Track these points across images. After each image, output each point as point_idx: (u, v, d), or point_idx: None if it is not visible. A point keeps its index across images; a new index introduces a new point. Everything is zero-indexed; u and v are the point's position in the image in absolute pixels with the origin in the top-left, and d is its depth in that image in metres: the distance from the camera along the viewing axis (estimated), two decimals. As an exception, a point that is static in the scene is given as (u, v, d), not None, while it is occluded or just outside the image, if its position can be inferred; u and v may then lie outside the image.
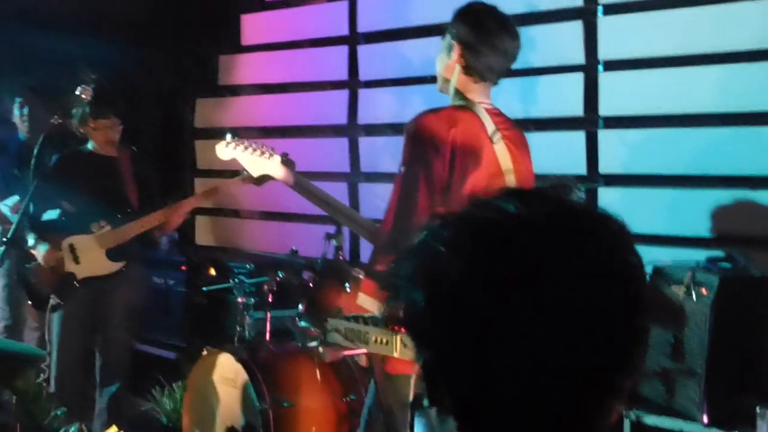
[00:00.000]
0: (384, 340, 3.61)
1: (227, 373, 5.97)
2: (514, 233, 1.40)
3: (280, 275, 6.30)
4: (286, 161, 4.67)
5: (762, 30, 5.75)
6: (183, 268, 8.20)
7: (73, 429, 5.98)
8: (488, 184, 4.10)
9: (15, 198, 7.28)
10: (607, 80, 6.51)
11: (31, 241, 6.47)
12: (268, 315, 6.34)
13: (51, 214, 6.54)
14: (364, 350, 3.80)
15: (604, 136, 6.53)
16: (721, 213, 5.87)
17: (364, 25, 8.19)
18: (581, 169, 6.55)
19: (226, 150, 4.79)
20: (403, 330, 3.54)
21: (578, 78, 6.63)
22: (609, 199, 6.33)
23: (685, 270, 4.95)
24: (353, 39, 8.27)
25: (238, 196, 8.69)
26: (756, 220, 5.75)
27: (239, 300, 6.41)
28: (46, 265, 6.42)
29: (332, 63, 8.42)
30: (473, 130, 4.13)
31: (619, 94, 6.46)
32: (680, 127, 6.20)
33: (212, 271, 7.99)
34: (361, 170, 8.13)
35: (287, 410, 5.74)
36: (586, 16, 6.61)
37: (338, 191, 7.21)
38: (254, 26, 9.24)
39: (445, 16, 4.31)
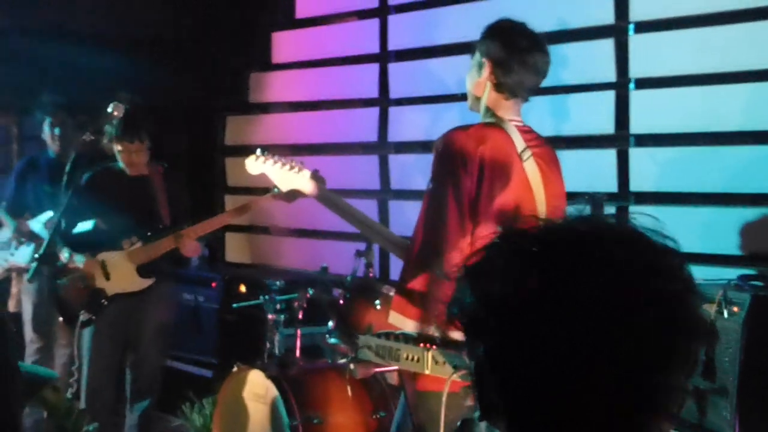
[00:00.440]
0: (415, 357, 3.61)
1: (257, 389, 5.97)
2: (566, 253, 1.47)
3: (311, 292, 6.30)
4: (316, 176, 4.67)
5: (794, 48, 5.73)
6: (213, 284, 8.21)
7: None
8: (518, 201, 4.10)
9: (48, 214, 7.31)
10: (638, 98, 6.50)
11: (66, 254, 6.51)
12: (299, 332, 6.34)
13: (82, 229, 6.56)
14: (395, 367, 3.80)
15: (636, 154, 6.51)
16: (752, 231, 5.84)
17: (394, 43, 8.21)
18: (612, 187, 6.54)
19: (255, 164, 4.77)
20: (434, 347, 3.56)
21: (609, 96, 6.62)
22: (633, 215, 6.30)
23: (716, 288, 4.92)
24: (384, 57, 8.29)
25: (268, 213, 8.71)
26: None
27: (269, 317, 6.41)
28: (86, 273, 6.45)
29: (363, 80, 8.44)
30: (502, 147, 4.12)
31: (650, 112, 6.44)
32: (712, 146, 6.18)
33: (242, 288, 7.99)
34: (391, 188, 8.14)
35: (317, 427, 5.74)
36: (618, 34, 6.60)
37: (368, 209, 7.22)
38: (285, 44, 9.27)
39: (475, 33, 4.31)
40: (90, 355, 6.54)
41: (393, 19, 8.22)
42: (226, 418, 6.20)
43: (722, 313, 4.83)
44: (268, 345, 6.42)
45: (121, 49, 8.46)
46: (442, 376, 3.57)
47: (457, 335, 3.63)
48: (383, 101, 8.27)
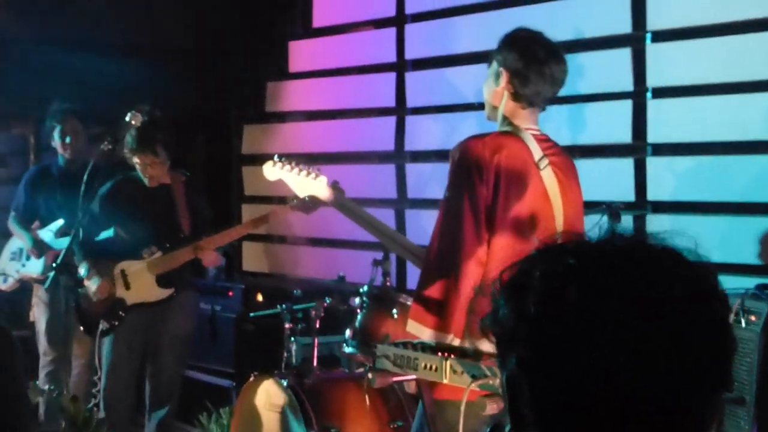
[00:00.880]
0: (433, 367, 3.62)
1: (274, 399, 5.97)
2: (605, 268, 1.49)
3: (328, 301, 6.30)
4: (335, 186, 4.68)
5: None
6: (230, 294, 8.22)
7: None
8: (534, 209, 4.10)
9: (59, 223, 7.29)
10: (656, 107, 6.49)
11: (83, 271, 6.51)
12: (316, 341, 6.34)
13: (102, 237, 6.58)
14: (413, 376, 3.80)
15: (653, 163, 6.51)
16: (770, 240, 5.84)
17: (411, 52, 8.21)
18: (629, 196, 6.53)
19: (272, 170, 4.76)
20: (451, 356, 3.57)
21: (627, 105, 6.61)
22: (658, 226, 6.30)
23: (734, 297, 4.91)
24: (401, 66, 8.30)
25: (285, 222, 8.72)
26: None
27: (286, 326, 6.41)
28: (96, 299, 6.46)
29: (380, 90, 8.44)
30: (519, 156, 4.13)
31: (668, 121, 6.44)
32: (729, 155, 6.18)
33: (260, 297, 8.00)
34: (408, 197, 8.14)
35: (334, 436, 5.73)
36: (635, 44, 6.59)
37: (385, 218, 7.21)
38: (301, 53, 9.28)
39: (492, 43, 4.32)
40: (109, 364, 6.56)
41: (410, 28, 8.22)
42: (243, 427, 6.19)
43: (740, 323, 4.83)
44: (285, 354, 6.42)
45: (138, 58, 8.49)
46: (461, 385, 3.57)
47: (485, 345, 3.64)
48: (400, 110, 8.28)
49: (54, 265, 6.54)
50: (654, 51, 6.50)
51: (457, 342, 3.94)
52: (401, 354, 3.75)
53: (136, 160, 6.53)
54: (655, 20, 6.49)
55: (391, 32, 8.36)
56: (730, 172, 6.13)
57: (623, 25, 6.65)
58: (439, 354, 3.65)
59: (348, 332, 5.55)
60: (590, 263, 1.49)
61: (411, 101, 8.20)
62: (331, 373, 6.28)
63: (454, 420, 3.69)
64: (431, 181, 7.74)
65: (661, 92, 6.51)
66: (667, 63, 6.44)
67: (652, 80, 6.50)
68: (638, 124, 6.56)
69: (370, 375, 3.87)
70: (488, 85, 4.31)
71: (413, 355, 3.71)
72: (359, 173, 8.48)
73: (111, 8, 8.67)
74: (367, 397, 5.89)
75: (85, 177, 6.40)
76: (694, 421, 1.47)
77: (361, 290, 5.69)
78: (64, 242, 6.75)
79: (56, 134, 7.45)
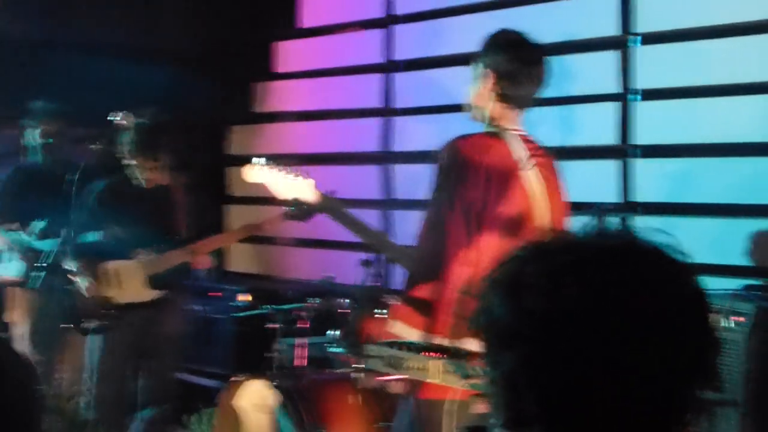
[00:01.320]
0: (420, 366, 3.63)
1: (261, 399, 5.98)
2: (602, 265, 1.53)
3: (317, 302, 6.31)
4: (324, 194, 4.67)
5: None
6: (219, 294, 8.22)
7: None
8: (519, 210, 4.12)
9: (40, 225, 7.19)
10: (644, 109, 6.51)
11: (74, 270, 6.48)
12: (305, 341, 6.34)
13: (93, 237, 6.56)
14: (400, 376, 3.81)
15: (641, 165, 6.52)
16: (757, 242, 5.85)
17: (399, 53, 8.22)
18: (616, 197, 6.54)
19: (254, 173, 4.76)
20: (438, 356, 3.58)
21: (614, 107, 6.63)
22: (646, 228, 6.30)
23: (721, 298, 4.93)
24: (389, 66, 8.30)
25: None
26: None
27: (276, 326, 6.41)
28: (88, 297, 6.44)
29: (368, 90, 8.44)
30: (504, 157, 4.14)
31: (656, 123, 6.45)
32: (717, 157, 6.19)
33: (249, 298, 8.00)
34: (396, 198, 8.14)
35: (322, 436, 5.74)
36: (622, 46, 6.61)
37: (372, 219, 7.23)
38: (290, 54, 9.28)
39: (481, 44, 4.34)
40: (100, 363, 6.53)
41: (398, 29, 8.23)
42: (230, 428, 6.20)
43: (728, 323, 4.84)
44: (274, 355, 6.43)
45: (124, 59, 8.47)
46: (449, 384, 3.59)
47: (469, 344, 3.65)
48: (388, 111, 8.28)
49: (44, 265, 6.50)
50: (643, 53, 6.52)
51: (444, 343, 3.95)
52: (390, 354, 3.76)
53: (135, 162, 6.51)
54: (643, 23, 6.51)
55: (379, 33, 8.36)
56: (718, 175, 6.14)
57: (611, 28, 6.66)
58: (428, 354, 3.66)
59: (337, 333, 5.56)
60: (588, 260, 1.52)
61: (399, 102, 8.20)
62: (319, 373, 6.28)
63: (439, 418, 3.71)
64: (419, 181, 7.73)
65: (650, 94, 6.52)
66: (655, 65, 6.45)
67: (642, 82, 6.52)
68: (625, 126, 6.57)
69: (358, 375, 3.89)
70: (473, 86, 4.32)
71: (402, 355, 3.72)
72: (347, 174, 8.48)
73: (97, 10, 8.65)
74: (355, 397, 5.90)
75: (75, 177, 6.37)
76: (688, 417, 1.52)
77: (349, 291, 5.70)
78: (45, 244, 6.73)
79: (36, 134, 7.40)
